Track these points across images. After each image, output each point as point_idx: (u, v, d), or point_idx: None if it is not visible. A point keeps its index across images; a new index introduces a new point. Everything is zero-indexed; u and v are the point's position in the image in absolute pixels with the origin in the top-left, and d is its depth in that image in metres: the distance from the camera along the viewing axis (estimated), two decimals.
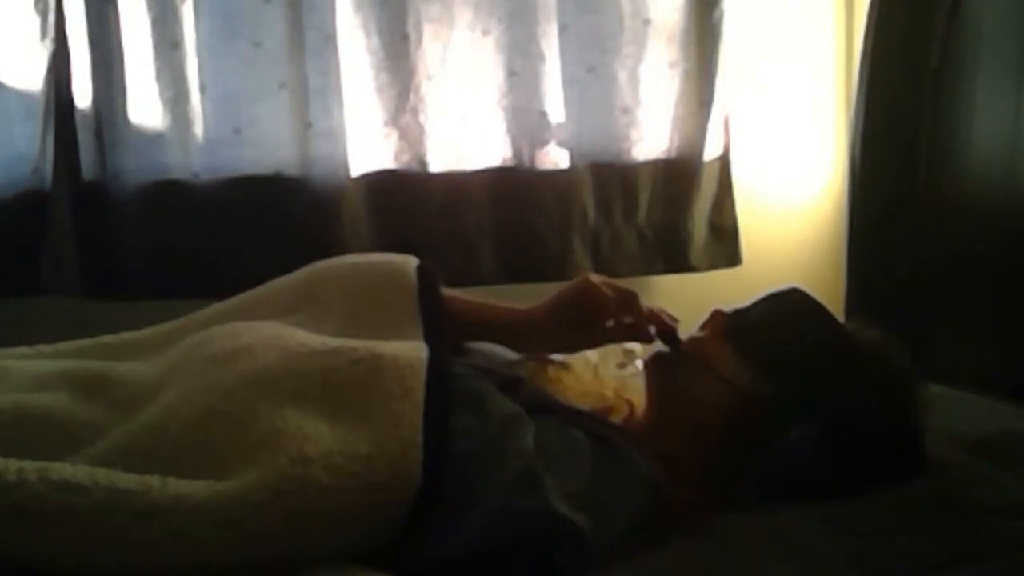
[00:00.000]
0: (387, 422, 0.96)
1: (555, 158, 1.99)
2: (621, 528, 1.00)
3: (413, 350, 1.04)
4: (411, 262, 1.20)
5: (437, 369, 1.02)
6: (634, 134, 2.02)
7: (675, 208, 2.05)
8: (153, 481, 0.89)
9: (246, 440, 0.94)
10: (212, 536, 0.87)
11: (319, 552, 0.93)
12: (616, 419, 1.18)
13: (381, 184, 1.94)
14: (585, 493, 0.98)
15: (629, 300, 1.19)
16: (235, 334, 1.10)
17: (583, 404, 1.18)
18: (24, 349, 1.30)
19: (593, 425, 1.08)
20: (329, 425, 0.95)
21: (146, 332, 1.31)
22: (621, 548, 1.00)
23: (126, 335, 1.31)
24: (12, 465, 0.88)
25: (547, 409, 1.08)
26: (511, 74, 1.95)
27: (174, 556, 0.88)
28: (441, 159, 1.95)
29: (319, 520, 0.90)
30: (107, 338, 1.31)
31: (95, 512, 0.86)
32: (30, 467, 0.88)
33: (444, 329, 1.12)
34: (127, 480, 0.88)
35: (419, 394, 0.98)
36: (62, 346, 1.32)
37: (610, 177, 2.02)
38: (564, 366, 1.31)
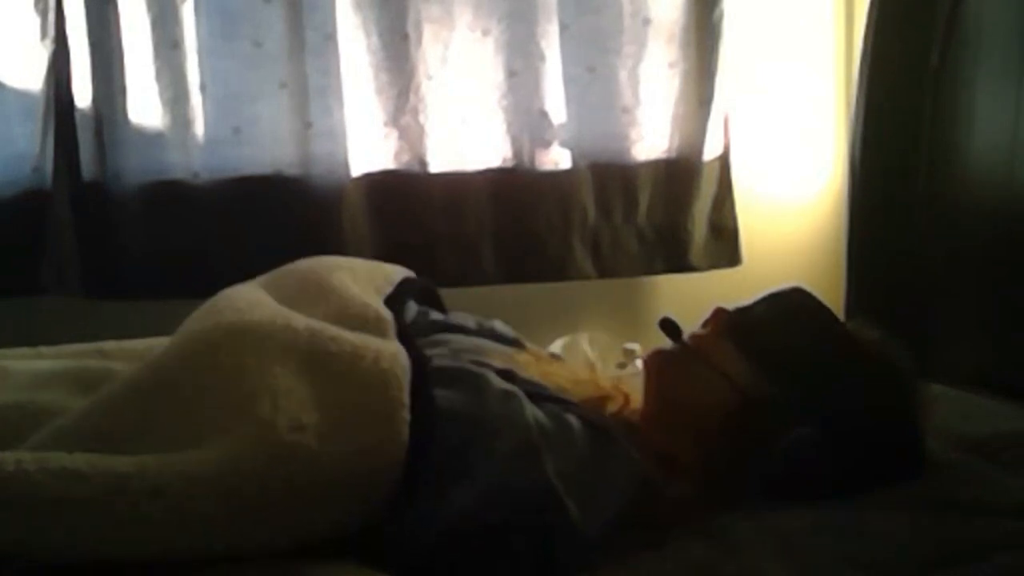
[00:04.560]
0: (375, 387, 0.96)
1: (555, 158, 1.99)
2: (609, 516, 1.00)
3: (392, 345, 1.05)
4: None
5: (419, 352, 1.05)
6: (634, 134, 2.02)
7: (675, 208, 2.05)
8: (149, 461, 0.89)
9: (236, 393, 0.94)
10: (213, 510, 0.88)
11: (319, 522, 0.93)
12: (611, 408, 1.18)
13: (381, 184, 1.94)
14: (574, 477, 0.99)
15: None
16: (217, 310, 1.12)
17: (578, 393, 1.18)
18: (25, 350, 1.31)
19: (587, 413, 1.08)
20: (318, 388, 0.96)
21: (146, 341, 1.32)
22: (620, 545, 1.00)
23: (126, 343, 1.33)
24: (10, 456, 0.88)
25: (540, 398, 1.08)
26: (511, 74, 1.95)
27: (176, 535, 0.88)
28: (441, 159, 1.95)
29: (315, 487, 0.91)
30: (106, 344, 1.32)
31: (96, 497, 0.86)
32: (28, 457, 0.88)
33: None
34: (125, 463, 0.89)
35: (404, 359, 0.99)
36: (63, 348, 1.33)
37: (610, 177, 2.02)
38: (556, 358, 1.31)
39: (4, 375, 1.16)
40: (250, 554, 0.91)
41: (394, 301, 1.18)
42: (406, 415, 0.95)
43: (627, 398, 1.19)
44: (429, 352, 1.13)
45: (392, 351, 1.00)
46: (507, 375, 1.11)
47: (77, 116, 1.81)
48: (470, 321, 1.34)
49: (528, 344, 1.35)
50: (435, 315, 1.34)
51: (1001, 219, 1.68)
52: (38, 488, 0.86)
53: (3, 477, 0.86)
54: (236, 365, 0.97)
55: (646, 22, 1.98)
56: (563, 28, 1.96)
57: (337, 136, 1.88)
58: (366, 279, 1.21)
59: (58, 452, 0.91)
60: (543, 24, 1.95)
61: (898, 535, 1.01)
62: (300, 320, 1.03)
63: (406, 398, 0.96)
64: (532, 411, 1.02)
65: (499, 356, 1.21)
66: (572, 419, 1.05)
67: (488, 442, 0.97)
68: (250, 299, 1.10)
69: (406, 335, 1.08)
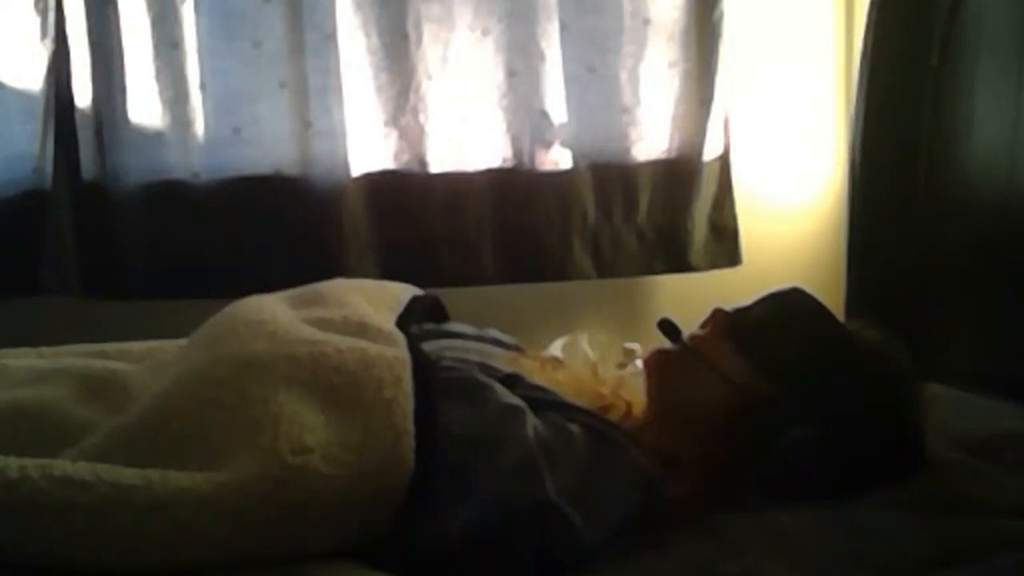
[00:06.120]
0: (379, 411, 0.97)
1: (555, 158, 1.99)
2: (614, 522, 1.01)
3: (396, 350, 1.06)
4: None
5: (423, 362, 1.05)
6: (634, 134, 2.02)
7: (675, 208, 2.05)
8: (154, 475, 0.90)
9: (240, 425, 0.95)
10: (216, 528, 0.88)
11: (321, 541, 0.93)
12: (613, 417, 1.18)
13: (381, 184, 1.94)
14: (578, 487, 0.99)
15: None
16: (220, 321, 1.14)
17: (580, 403, 1.18)
18: (25, 350, 1.31)
19: (590, 420, 1.09)
20: (323, 412, 0.97)
21: (147, 344, 1.32)
22: (620, 545, 1.00)
23: (126, 345, 1.33)
24: (14, 463, 0.88)
25: (544, 404, 1.08)
26: (511, 74, 1.95)
27: (180, 549, 0.88)
28: (441, 159, 1.95)
29: (319, 509, 0.92)
30: (107, 346, 1.32)
31: (99, 507, 0.87)
32: (32, 464, 0.89)
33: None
34: (129, 475, 0.89)
35: (408, 383, 1.00)
36: (62, 349, 1.33)
37: (610, 177, 2.02)
38: (560, 363, 1.31)
39: (2, 372, 1.16)
40: (248, 563, 0.92)
41: (404, 320, 1.19)
42: (411, 441, 0.95)
43: (629, 406, 1.19)
44: (437, 355, 1.13)
45: (397, 374, 1.01)
46: (512, 380, 1.11)
47: (77, 116, 1.81)
48: (469, 329, 1.34)
49: (528, 350, 1.35)
50: (435, 326, 1.34)
51: (1001, 219, 1.68)
52: (41, 495, 0.86)
53: (7, 483, 0.87)
54: (240, 396, 0.97)
55: (646, 22, 1.98)
56: (563, 28, 1.95)
57: (337, 136, 1.88)
58: (377, 300, 1.22)
59: (63, 461, 0.91)
60: (543, 24, 1.94)
61: (898, 535, 1.01)
62: (303, 347, 1.03)
63: (410, 425, 0.96)
64: (533, 424, 1.02)
65: (504, 360, 1.21)
66: (574, 428, 1.05)
67: (489, 459, 0.98)
68: (256, 319, 1.10)
69: (416, 348, 1.08)
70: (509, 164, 1.98)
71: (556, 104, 1.97)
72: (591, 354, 1.44)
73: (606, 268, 2.04)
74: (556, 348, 1.77)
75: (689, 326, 1.20)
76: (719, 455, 1.10)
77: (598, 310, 2.11)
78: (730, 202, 2.08)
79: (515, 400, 1.05)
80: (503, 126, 1.97)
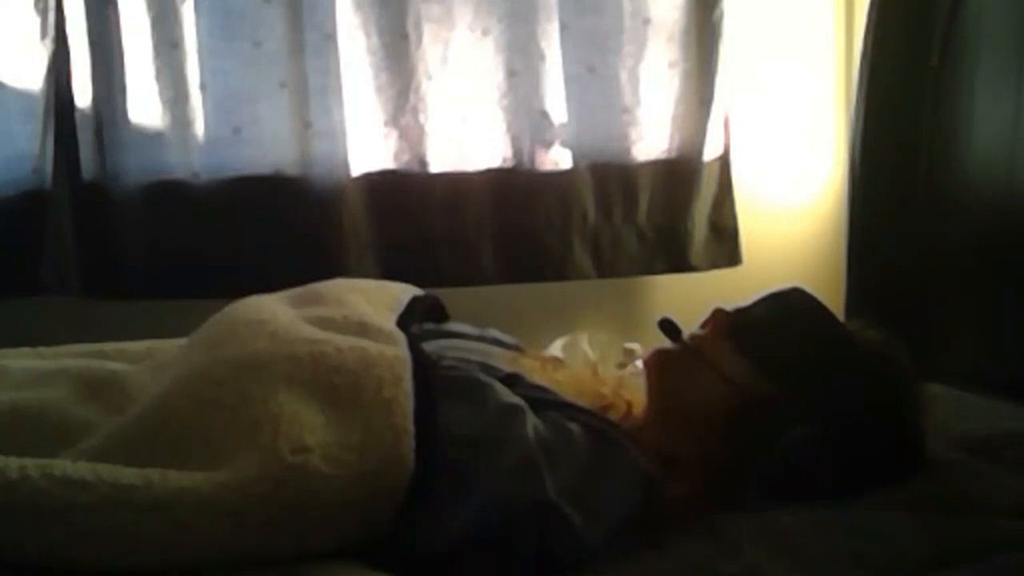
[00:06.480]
0: (380, 410, 0.97)
1: (555, 158, 1.99)
2: (614, 522, 1.01)
3: (396, 349, 1.06)
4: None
5: (423, 362, 1.05)
6: (634, 134, 2.02)
7: (675, 208, 2.05)
8: (154, 475, 0.90)
9: (239, 425, 0.95)
10: (216, 528, 0.88)
11: (321, 541, 0.93)
12: (613, 417, 1.18)
13: (381, 184, 1.94)
14: (578, 487, 0.99)
15: None
16: (220, 321, 1.14)
17: (580, 403, 1.18)
18: (25, 350, 1.31)
19: (590, 420, 1.09)
20: (323, 412, 0.97)
21: (146, 344, 1.32)
22: (620, 545, 1.00)
23: (125, 345, 1.33)
24: (14, 463, 0.88)
25: (544, 404, 1.08)
26: (511, 74, 1.95)
27: (179, 549, 0.88)
28: (441, 159, 1.95)
29: (319, 509, 0.92)
30: (106, 346, 1.32)
31: (99, 507, 0.87)
32: (32, 464, 0.88)
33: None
34: (129, 475, 0.89)
35: (408, 383, 1.00)
36: (62, 349, 1.33)
37: (610, 177, 2.02)
38: (560, 363, 1.31)
39: (2, 374, 1.16)
40: (248, 563, 0.92)
41: (405, 320, 1.20)
42: (411, 442, 0.95)
43: (629, 406, 1.19)
44: (438, 354, 1.13)
45: (397, 374, 1.01)
46: (513, 379, 1.11)
47: (77, 116, 1.81)
48: (469, 329, 1.34)
49: (528, 350, 1.36)
50: (435, 326, 1.34)
51: (1001, 219, 1.68)
52: (41, 495, 0.86)
53: (7, 483, 0.87)
54: (240, 396, 0.97)
55: (646, 22, 1.98)
56: (563, 28, 1.95)
57: (337, 136, 1.88)
58: (378, 300, 1.22)
59: (63, 460, 0.91)
60: (543, 24, 1.94)
61: (898, 535, 1.01)
62: (303, 347, 1.03)
63: (410, 425, 0.96)
64: (534, 423, 1.03)
65: (504, 359, 1.21)
66: (575, 427, 1.05)
67: (489, 459, 0.98)
68: (256, 319, 1.10)
69: (416, 348, 1.08)
70: (509, 164, 1.98)
71: (556, 104, 1.97)
72: (591, 354, 1.44)
73: (606, 268, 2.04)
74: (556, 348, 1.77)
75: (689, 326, 1.20)
76: (719, 455, 1.10)
77: (598, 310, 2.11)
78: (730, 202, 2.08)
79: (515, 399, 1.05)
80: (503, 126, 1.97)
